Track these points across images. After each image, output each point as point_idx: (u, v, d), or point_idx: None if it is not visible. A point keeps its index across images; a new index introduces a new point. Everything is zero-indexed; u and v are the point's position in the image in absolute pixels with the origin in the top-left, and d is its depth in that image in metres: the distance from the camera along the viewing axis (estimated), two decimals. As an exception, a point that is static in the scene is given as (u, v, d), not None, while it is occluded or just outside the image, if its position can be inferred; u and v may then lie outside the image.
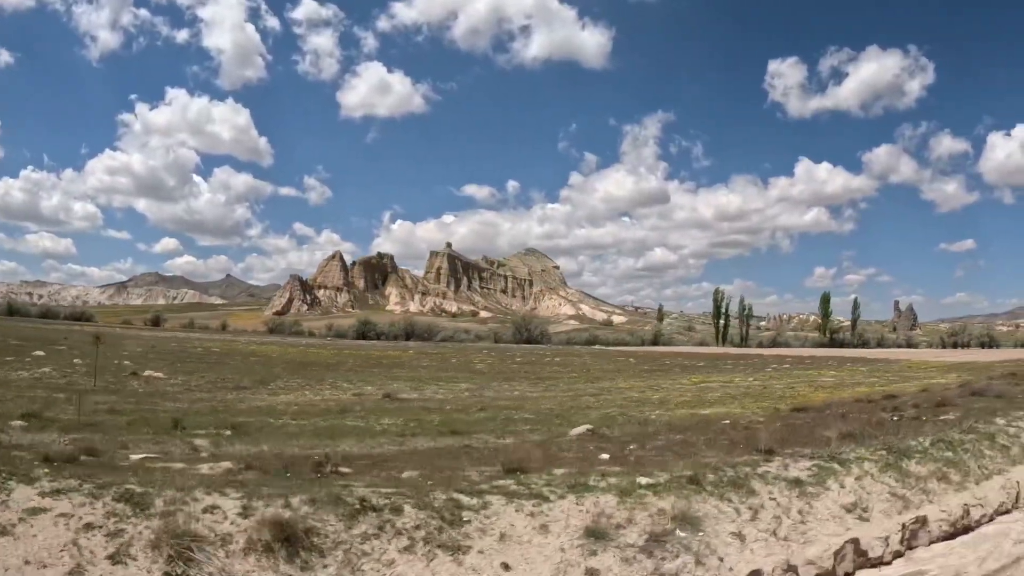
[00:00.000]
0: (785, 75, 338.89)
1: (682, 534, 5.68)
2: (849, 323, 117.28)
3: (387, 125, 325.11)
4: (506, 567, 5.14)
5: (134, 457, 7.78)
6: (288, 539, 4.80)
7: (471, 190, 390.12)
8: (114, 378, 23.20)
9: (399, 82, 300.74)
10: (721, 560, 5.60)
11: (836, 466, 7.40)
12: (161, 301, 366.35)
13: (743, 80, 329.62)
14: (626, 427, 13.17)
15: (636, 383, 28.85)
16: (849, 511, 6.69)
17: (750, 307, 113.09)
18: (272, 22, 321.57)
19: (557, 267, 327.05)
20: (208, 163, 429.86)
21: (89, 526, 4.64)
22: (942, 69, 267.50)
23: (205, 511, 4.98)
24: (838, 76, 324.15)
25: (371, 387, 25.20)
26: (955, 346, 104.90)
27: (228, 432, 11.95)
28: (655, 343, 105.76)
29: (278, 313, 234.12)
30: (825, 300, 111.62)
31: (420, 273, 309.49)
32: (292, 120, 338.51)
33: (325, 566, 4.78)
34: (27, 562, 4.28)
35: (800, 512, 6.49)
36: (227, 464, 7.11)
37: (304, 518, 5.04)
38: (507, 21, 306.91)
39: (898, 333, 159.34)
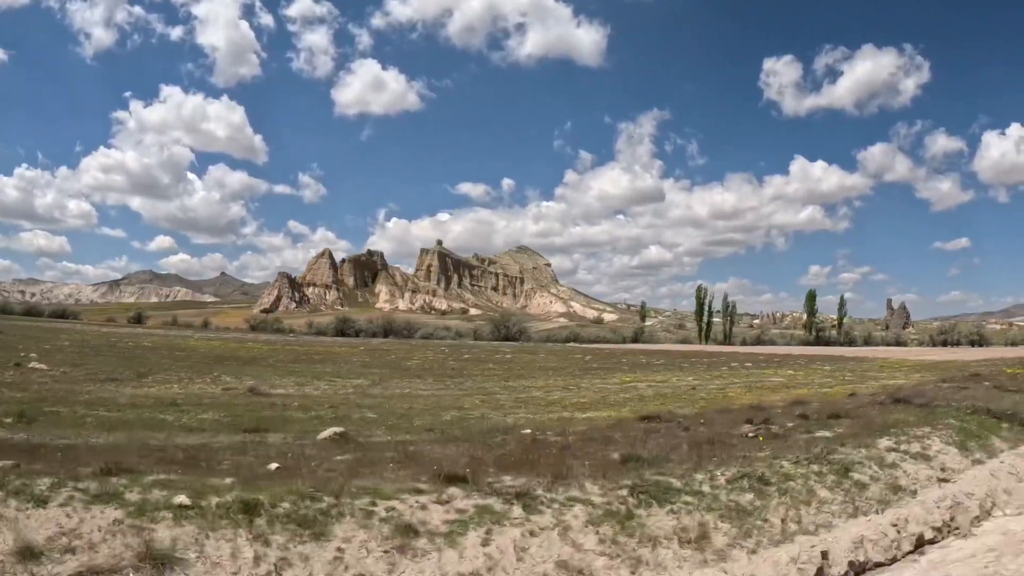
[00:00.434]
0: (780, 73, 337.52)
1: None
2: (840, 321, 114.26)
3: (382, 123, 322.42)
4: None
5: None
6: None
7: (466, 188, 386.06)
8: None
9: (394, 80, 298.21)
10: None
11: (517, 509, 4.48)
12: (154, 299, 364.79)
13: (738, 78, 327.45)
14: (419, 434, 10.39)
15: (559, 382, 26.06)
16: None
17: (733, 304, 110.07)
18: (266, 19, 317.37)
19: (548, 264, 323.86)
20: (203, 161, 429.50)
21: None
22: (937, 68, 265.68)
23: None
24: (833, 74, 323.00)
25: (252, 381, 23.46)
26: (944, 344, 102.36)
27: (9, 420, 11.54)
28: (636, 340, 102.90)
29: (265, 311, 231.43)
30: (811, 298, 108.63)
31: (411, 271, 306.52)
32: (287, 118, 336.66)
33: None
34: None
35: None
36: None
37: None
38: (502, 19, 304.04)
39: (890, 331, 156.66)
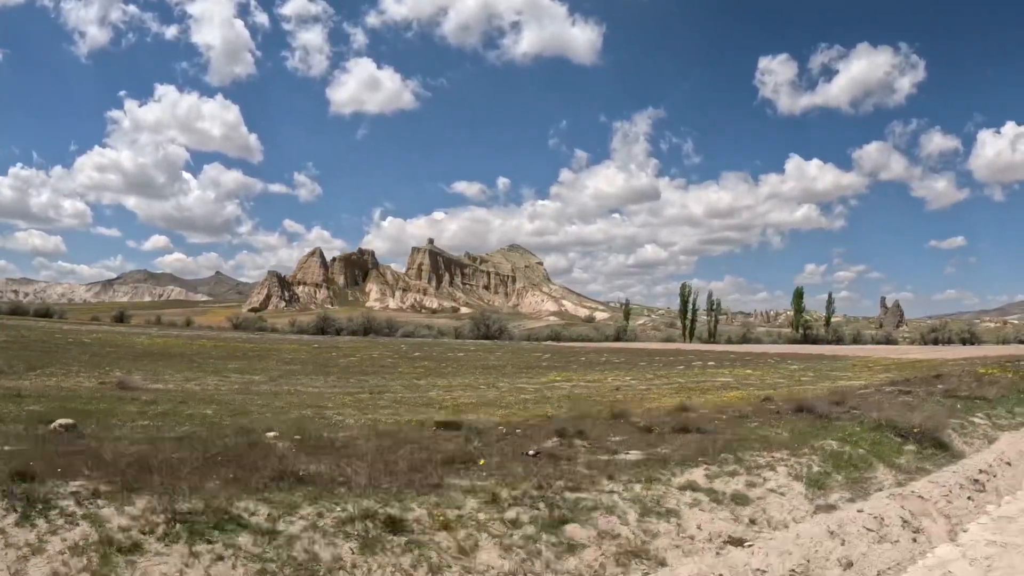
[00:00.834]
0: (776, 72, 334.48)
1: None
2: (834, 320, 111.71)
3: (377, 122, 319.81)
4: None
5: None
6: None
7: (461, 187, 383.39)
8: None
9: (389, 78, 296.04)
10: None
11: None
12: (147, 299, 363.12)
13: (733, 77, 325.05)
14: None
15: (477, 381, 23.58)
16: None
17: (718, 302, 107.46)
18: (261, 18, 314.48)
19: (541, 263, 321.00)
20: (198, 160, 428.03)
21: None
22: (933, 66, 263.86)
23: None
24: (828, 73, 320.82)
25: (138, 376, 21.58)
26: (935, 343, 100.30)
27: None
28: (618, 339, 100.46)
29: (254, 310, 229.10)
30: (798, 295, 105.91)
31: (404, 270, 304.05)
32: (282, 117, 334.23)
33: None
34: None
35: None
36: None
37: None
38: (497, 17, 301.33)
39: (884, 330, 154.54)
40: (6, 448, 5.79)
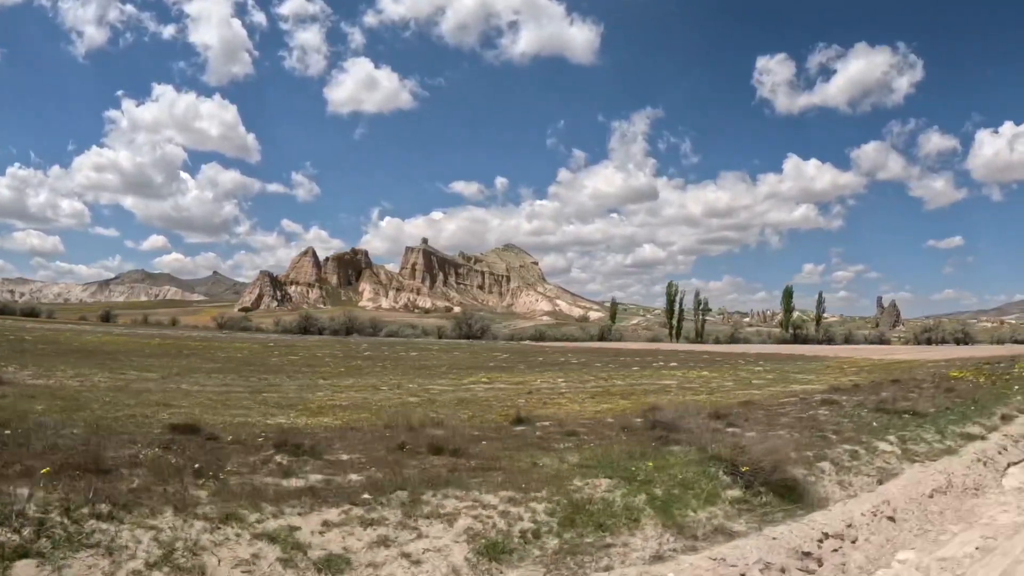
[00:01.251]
0: (773, 72, 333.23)
1: None
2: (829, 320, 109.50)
3: (375, 121, 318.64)
4: None
5: None
6: None
7: (459, 187, 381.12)
8: None
9: (386, 78, 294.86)
10: None
11: None
12: (143, 298, 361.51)
13: (731, 77, 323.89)
14: None
15: (396, 381, 21.40)
16: None
17: (705, 301, 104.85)
18: (258, 17, 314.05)
19: (536, 263, 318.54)
20: (196, 160, 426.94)
21: None
22: (931, 66, 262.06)
23: None
24: (826, 73, 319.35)
25: (28, 372, 19.72)
26: (928, 342, 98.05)
27: None
28: (603, 339, 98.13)
29: (245, 309, 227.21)
30: (787, 295, 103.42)
31: (398, 269, 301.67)
32: (279, 116, 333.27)
33: None
34: None
35: None
36: None
37: None
38: (495, 17, 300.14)
39: (879, 329, 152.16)
40: None
